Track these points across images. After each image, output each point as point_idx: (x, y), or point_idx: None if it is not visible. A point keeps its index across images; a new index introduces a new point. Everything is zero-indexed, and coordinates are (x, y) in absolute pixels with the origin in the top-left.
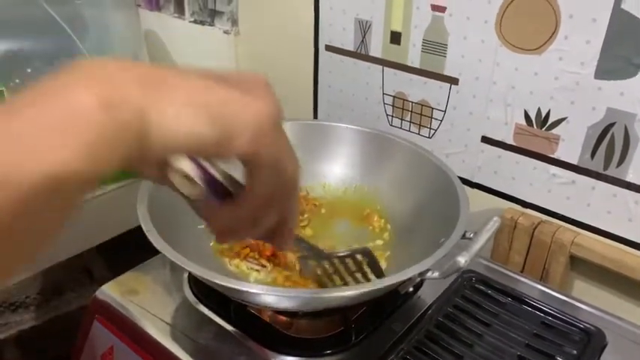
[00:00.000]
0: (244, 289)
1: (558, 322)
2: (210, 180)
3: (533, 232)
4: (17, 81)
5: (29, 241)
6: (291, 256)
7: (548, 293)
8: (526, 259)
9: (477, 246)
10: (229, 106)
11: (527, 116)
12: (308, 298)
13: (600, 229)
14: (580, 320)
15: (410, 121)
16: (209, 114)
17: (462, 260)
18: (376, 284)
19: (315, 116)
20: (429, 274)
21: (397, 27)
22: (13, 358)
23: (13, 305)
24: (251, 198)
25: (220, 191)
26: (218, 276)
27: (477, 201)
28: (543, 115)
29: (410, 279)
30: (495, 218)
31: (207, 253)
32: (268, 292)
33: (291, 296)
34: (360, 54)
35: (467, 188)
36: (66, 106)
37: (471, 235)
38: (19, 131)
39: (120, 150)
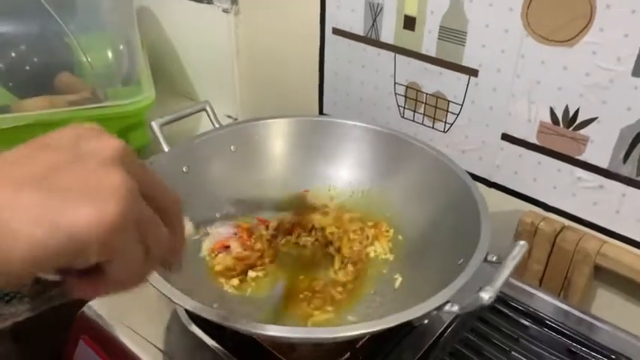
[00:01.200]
0: (242, 326)
1: (584, 348)
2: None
3: (555, 239)
4: (1, 66)
5: None
6: None
7: (571, 313)
8: (546, 268)
9: (501, 279)
10: (65, 219)
11: (553, 114)
12: (309, 337)
13: (630, 239)
14: (607, 348)
15: (423, 114)
16: (50, 232)
17: (486, 297)
18: (389, 322)
19: (321, 105)
20: (447, 307)
21: (412, 11)
22: (8, 351)
23: (7, 296)
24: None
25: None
26: (211, 310)
27: (494, 202)
28: (571, 113)
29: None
30: (522, 242)
31: (202, 276)
32: (267, 330)
33: (293, 336)
34: (370, 39)
35: (484, 188)
36: None
37: (494, 258)
38: None
39: None
